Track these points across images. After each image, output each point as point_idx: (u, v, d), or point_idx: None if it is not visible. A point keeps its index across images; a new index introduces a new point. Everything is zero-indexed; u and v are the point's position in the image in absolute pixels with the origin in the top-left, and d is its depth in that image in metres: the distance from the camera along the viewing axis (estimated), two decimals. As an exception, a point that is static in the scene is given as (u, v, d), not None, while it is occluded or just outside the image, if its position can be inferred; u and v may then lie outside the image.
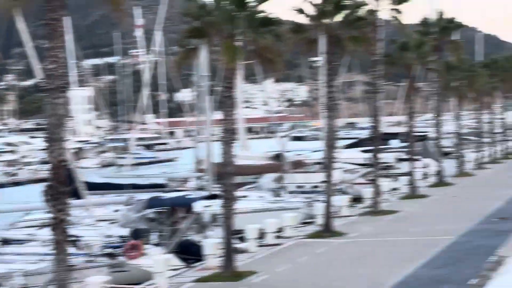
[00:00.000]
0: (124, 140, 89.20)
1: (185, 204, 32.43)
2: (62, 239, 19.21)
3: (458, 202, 41.42)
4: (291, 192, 41.41)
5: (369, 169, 41.88)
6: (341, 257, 27.28)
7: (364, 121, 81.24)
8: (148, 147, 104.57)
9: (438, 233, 30.98)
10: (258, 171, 47.05)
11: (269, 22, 25.82)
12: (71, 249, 20.33)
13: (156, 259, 24.25)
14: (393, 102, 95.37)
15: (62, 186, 19.23)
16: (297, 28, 33.84)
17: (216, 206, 28.47)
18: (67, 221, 19.26)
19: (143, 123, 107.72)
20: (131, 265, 26.58)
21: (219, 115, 29.50)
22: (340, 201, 37.19)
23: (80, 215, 31.96)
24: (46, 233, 21.35)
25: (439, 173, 51.63)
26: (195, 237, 30.11)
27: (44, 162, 40.10)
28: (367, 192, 40.06)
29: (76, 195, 31.90)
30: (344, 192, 41.19)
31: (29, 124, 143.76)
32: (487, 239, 28.46)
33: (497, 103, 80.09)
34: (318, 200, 35.10)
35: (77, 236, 26.56)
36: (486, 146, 69.10)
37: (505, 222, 32.21)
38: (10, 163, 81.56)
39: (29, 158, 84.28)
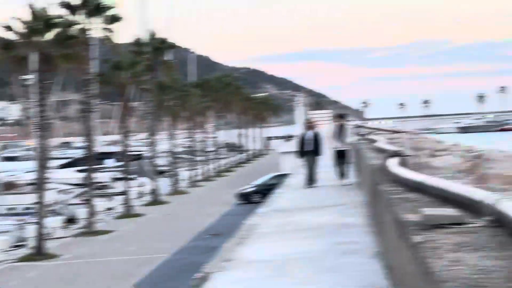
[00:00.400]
0: None
1: None
2: None
3: (172, 220, 42.12)
4: (1, 215, 39.88)
5: (84, 189, 41.42)
6: (53, 280, 26.66)
7: (79, 140, 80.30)
8: None
9: (153, 251, 31.26)
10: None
11: (-26, 38, 24.80)
12: None
13: None
14: (108, 121, 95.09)
15: None
16: (6, 45, 32.83)
17: None
18: None
19: None
20: None
21: None
22: (53, 222, 36.48)
23: None
24: None
25: (154, 192, 52.17)
26: None
27: None
28: (82, 212, 39.58)
29: None
30: (58, 213, 40.34)
31: None
32: (199, 256, 29.06)
33: (210, 122, 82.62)
34: (30, 222, 34.10)
35: None
36: (199, 164, 70.93)
37: (216, 238, 33.15)
38: None
39: None
